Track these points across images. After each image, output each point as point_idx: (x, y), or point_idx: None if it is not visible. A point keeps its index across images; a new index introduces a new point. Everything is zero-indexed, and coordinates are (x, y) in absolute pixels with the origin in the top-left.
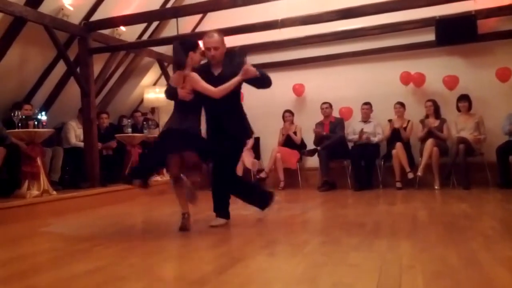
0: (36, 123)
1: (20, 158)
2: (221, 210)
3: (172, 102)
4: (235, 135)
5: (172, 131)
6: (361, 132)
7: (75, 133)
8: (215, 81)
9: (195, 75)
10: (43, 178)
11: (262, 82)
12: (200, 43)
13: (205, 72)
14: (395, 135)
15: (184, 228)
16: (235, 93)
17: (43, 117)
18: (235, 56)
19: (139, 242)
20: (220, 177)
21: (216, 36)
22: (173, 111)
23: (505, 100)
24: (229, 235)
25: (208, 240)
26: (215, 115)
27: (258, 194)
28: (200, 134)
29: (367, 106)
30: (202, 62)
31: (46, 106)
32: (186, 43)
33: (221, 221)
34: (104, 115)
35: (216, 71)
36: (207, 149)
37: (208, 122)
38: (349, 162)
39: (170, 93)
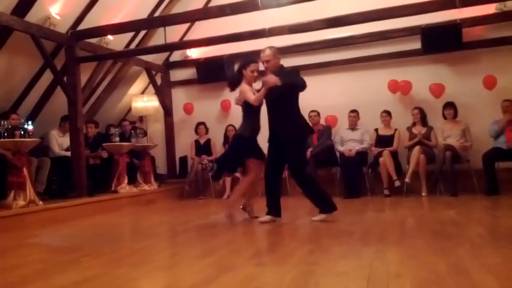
0: (22, 132)
1: (6, 168)
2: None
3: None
4: (282, 140)
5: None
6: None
7: (57, 142)
8: (272, 89)
9: (243, 87)
10: (29, 188)
11: (293, 87)
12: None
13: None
14: (383, 143)
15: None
16: (284, 101)
17: (29, 126)
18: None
19: (127, 252)
20: (297, 179)
21: (267, 50)
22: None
23: (491, 108)
24: (217, 245)
25: (197, 250)
26: (269, 121)
27: (323, 199)
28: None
29: (354, 114)
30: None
31: (33, 116)
32: (240, 64)
33: (267, 218)
34: (90, 125)
35: None
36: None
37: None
38: (337, 169)
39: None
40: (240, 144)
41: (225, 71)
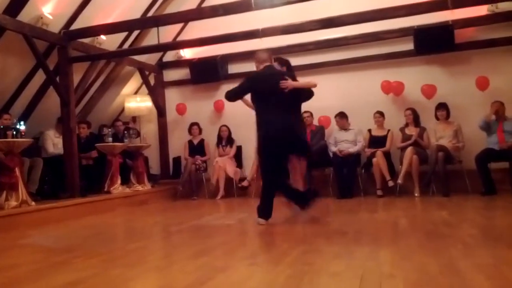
0: (14, 133)
1: None
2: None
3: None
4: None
5: None
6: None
7: (53, 142)
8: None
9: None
10: (21, 189)
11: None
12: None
13: None
14: (376, 143)
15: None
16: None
17: (21, 127)
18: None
19: (120, 253)
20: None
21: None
22: None
23: (483, 108)
24: (210, 245)
25: (190, 250)
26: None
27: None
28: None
29: (337, 118)
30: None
31: (25, 116)
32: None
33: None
34: (82, 125)
35: None
36: None
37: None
38: (330, 170)
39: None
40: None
41: (218, 71)
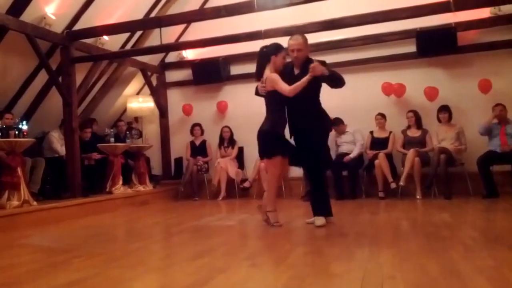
0: (17, 132)
1: (0, 168)
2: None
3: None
4: (310, 134)
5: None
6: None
7: (59, 143)
8: (295, 81)
9: (273, 76)
10: (23, 189)
11: (334, 80)
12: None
13: (288, 71)
14: (378, 145)
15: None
16: (311, 93)
17: (24, 126)
18: (312, 60)
19: (120, 254)
20: (315, 179)
21: (300, 38)
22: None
23: (485, 111)
24: (210, 246)
25: (191, 251)
26: (291, 114)
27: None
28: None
29: (335, 125)
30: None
31: (28, 116)
32: (268, 48)
33: (322, 220)
34: (87, 129)
35: (297, 71)
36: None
37: (288, 121)
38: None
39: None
40: (269, 140)
41: (220, 72)
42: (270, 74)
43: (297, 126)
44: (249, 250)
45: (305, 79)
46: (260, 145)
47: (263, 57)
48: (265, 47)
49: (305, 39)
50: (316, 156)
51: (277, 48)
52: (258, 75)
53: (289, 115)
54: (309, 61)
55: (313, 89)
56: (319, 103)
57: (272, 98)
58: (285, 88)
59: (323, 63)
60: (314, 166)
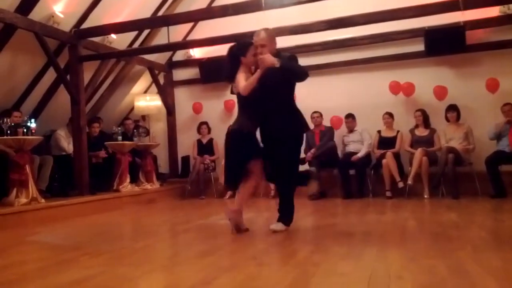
0: (25, 130)
1: (9, 165)
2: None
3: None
4: (280, 136)
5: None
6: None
7: (66, 141)
8: (268, 76)
9: (238, 76)
10: (31, 186)
11: (293, 73)
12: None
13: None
14: (385, 144)
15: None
16: (282, 90)
17: (32, 124)
18: (282, 55)
19: (127, 251)
20: (286, 179)
21: (262, 33)
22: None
23: (493, 111)
24: (217, 245)
25: (197, 250)
26: (262, 114)
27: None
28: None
29: (349, 119)
30: None
31: (36, 114)
32: (235, 49)
33: (281, 226)
34: (96, 124)
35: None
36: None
37: (259, 121)
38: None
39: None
40: (238, 141)
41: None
42: (237, 75)
43: (270, 132)
44: (255, 248)
45: (256, 73)
46: (228, 152)
47: (233, 60)
48: (234, 46)
49: (270, 34)
50: (291, 169)
51: (244, 47)
52: (229, 78)
53: (260, 118)
54: (278, 56)
55: (284, 88)
56: (293, 104)
57: (243, 99)
58: (240, 85)
59: (292, 57)
60: (287, 180)
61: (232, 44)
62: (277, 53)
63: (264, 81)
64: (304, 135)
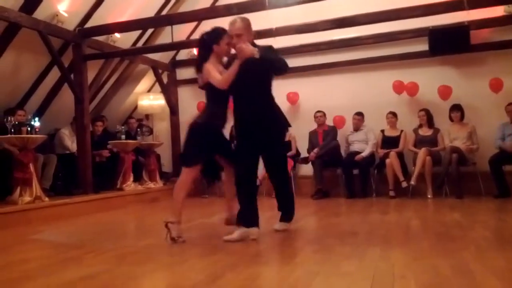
0: (29, 129)
1: (12, 164)
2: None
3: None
4: (261, 134)
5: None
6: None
7: (70, 140)
8: (244, 69)
9: (207, 66)
10: (35, 184)
11: (273, 64)
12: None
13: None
14: (389, 144)
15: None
16: (259, 86)
17: (36, 123)
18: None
19: (131, 250)
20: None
21: (238, 22)
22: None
23: (497, 110)
24: (220, 244)
25: (199, 249)
26: (239, 109)
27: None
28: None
29: (359, 117)
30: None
31: (40, 112)
32: (207, 38)
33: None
34: (99, 123)
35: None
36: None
37: (235, 122)
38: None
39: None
40: (197, 134)
41: None
42: (206, 64)
43: (250, 129)
44: (259, 247)
45: (234, 64)
46: (186, 142)
47: (204, 48)
48: (206, 34)
49: (246, 23)
50: (285, 165)
51: (217, 35)
52: (198, 67)
53: (236, 115)
54: (255, 47)
55: (261, 81)
56: (271, 100)
57: (211, 91)
58: (217, 78)
59: (269, 48)
60: (285, 176)
61: (203, 31)
62: (254, 45)
63: (239, 74)
64: (308, 134)
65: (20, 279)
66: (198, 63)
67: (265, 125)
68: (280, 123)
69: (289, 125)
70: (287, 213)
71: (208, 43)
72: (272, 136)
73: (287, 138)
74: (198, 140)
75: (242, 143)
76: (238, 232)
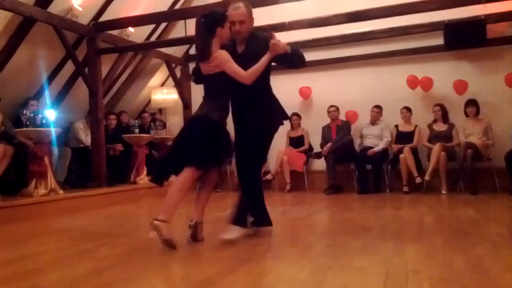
0: (44, 121)
1: (28, 157)
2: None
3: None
4: (255, 126)
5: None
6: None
7: (84, 133)
8: (239, 61)
9: (223, 54)
10: (50, 177)
11: (293, 60)
12: None
13: (229, 49)
14: (403, 139)
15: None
16: (263, 75)
17: (51, 116)
18: (257, 35)
19: (144, 243)
20: (241, 178)
21: (242, 7)
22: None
23: None
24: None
25: (212, 243)
26: (235, 101)
27: (261, 211)
28: (224, 124)
29: (378, 110)
30: None
31: (55, 106)
32: (211, 18)
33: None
34: (112, 116)
35: (241, 49)
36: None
37: (231, 109)
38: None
39: (195, 73)
40: (210, 130)
41: None
42: (219, 51)
43: (240, 118)
44: (271, 242)
45: (264, 59)
46: (200, 139)
47: (209, 29)
48: (207, 15)
49: (250, 9)
50: (249, 156)
51: (221, 17)
52: (204, 54)
53: (233, 108)
54: (255, 36)
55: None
56: (269, 90)
57: (214, 82)
58: (241, 73)
59: (272, 36)
60: (244, 166)
61: (203, 13)
62: (252, 32)
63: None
64: (321, 129)
65: (34, 271)
66: (201, 49)
67: (253, 116)
68: (271, 118)
69: (285, 118)
70: (238, 216)
71: (213, 25)
72: (255, 123)
73: (300, 133)
74: (215, 141)
75: (265, 140)
76: (238, 232)
